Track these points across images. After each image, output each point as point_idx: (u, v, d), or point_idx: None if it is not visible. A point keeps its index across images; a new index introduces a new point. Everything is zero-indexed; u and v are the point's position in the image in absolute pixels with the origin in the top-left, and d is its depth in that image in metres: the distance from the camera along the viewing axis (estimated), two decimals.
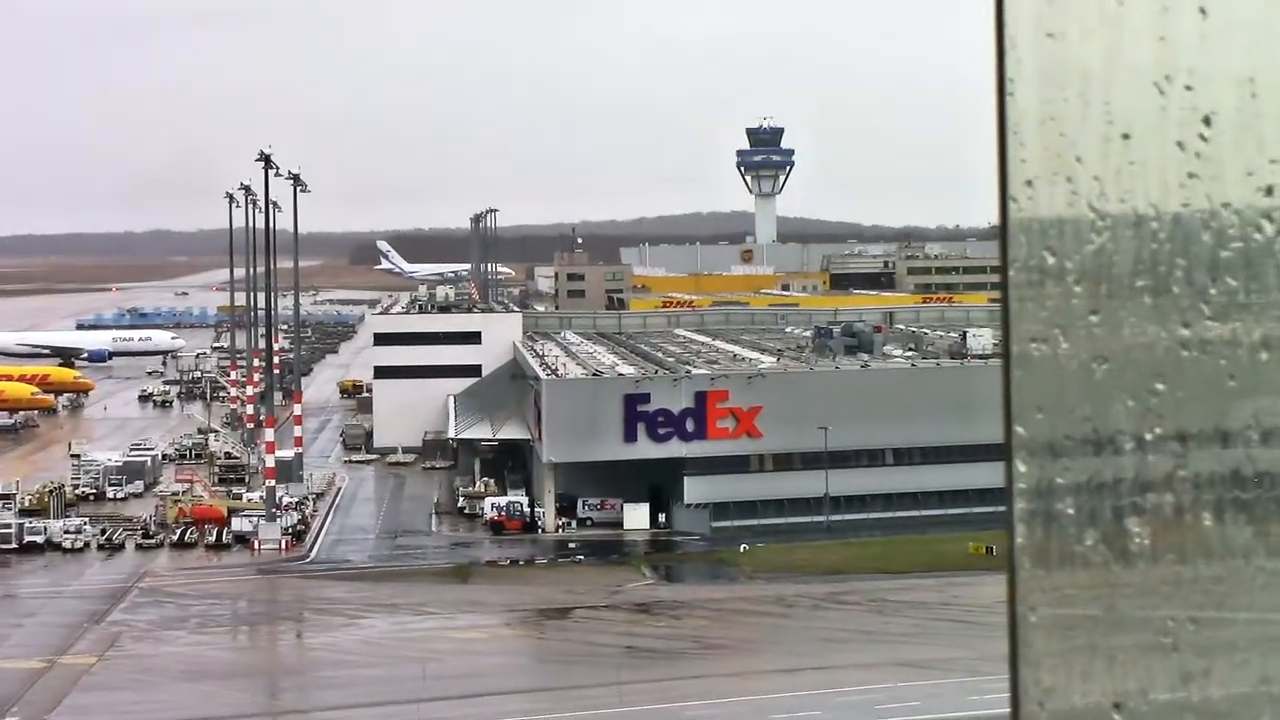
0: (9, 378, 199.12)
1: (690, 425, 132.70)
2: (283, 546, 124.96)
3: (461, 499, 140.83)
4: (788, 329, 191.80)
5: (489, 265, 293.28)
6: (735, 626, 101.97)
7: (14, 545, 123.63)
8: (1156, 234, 4.24)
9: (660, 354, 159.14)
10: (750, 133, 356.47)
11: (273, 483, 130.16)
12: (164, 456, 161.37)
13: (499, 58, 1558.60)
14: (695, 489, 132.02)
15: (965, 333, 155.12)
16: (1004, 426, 4.36)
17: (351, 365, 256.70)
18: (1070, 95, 4.23)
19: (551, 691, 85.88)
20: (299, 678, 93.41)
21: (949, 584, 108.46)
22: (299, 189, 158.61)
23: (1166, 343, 4.24)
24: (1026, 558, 4.38)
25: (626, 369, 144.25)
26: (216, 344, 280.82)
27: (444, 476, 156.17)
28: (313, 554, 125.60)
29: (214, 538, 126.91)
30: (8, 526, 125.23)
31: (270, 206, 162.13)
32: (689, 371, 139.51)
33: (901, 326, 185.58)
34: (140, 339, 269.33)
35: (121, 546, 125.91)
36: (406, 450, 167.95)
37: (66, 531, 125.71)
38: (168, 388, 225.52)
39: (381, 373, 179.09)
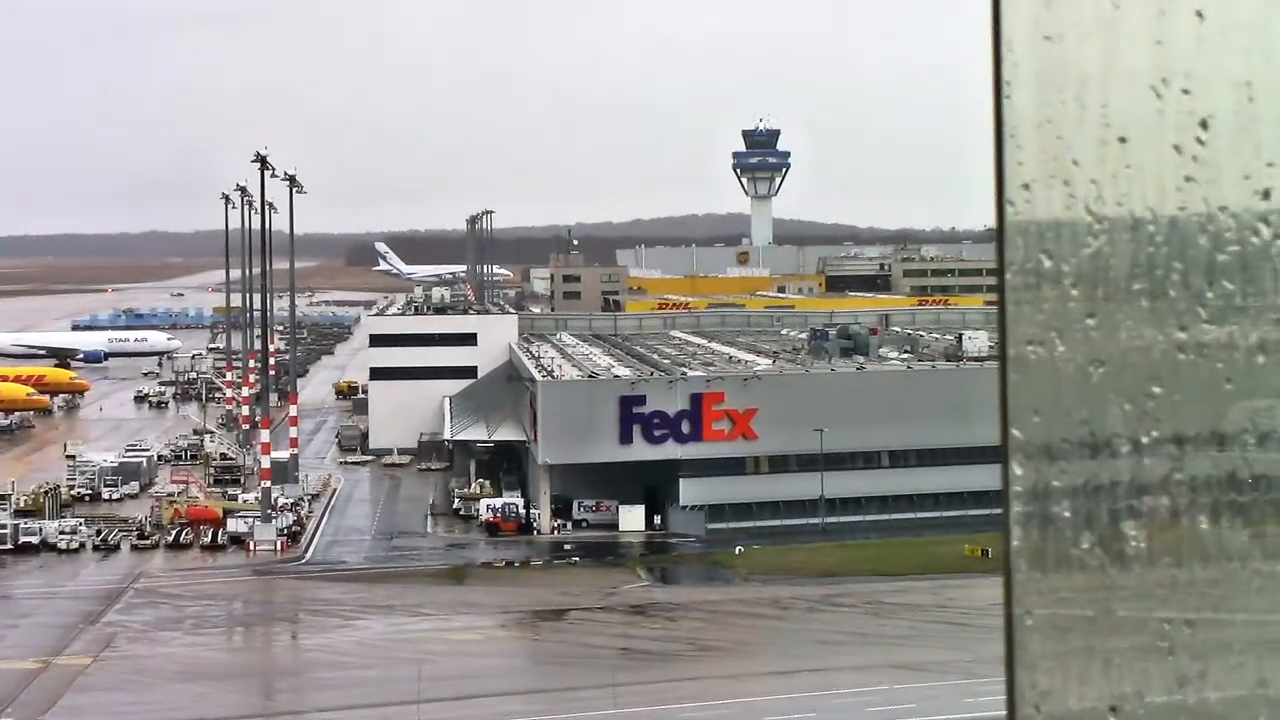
0: (4, 378, 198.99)
1: (686, 427, 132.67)
2: (278, 548, 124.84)
3: (457, 500, 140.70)
4: (783, 331, 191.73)
5: (484, 267, 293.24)
6: (730, 628, 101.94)
7: (9, 546, 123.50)
8: (1153, 237, 4.24)
9: (656, 356, 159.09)
10: (746, 134, 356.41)
11: (268, 484, 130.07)
12: (159, 457, 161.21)
13: (496, 59, 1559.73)
14: (691, 491, 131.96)
15: (961, 335, 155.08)
16: (1000, 429, 4.36)
17: (347, 366, 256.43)
18: (1067, 98, 4.23)
19: (546, 693, 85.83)
20: (294, 679, 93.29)
21: (944, 586, 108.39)
22: (295, 190, 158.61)
23: (1163, 346, 4.24)
24: (1023, 560, 4.38)
25: (622, 371, 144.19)
26: (212, 345, 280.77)
27: (439, 478, 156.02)
28: (308, 555, 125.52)
29: (209, 539, 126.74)
30: (3, 527, 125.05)
31: (266, 207, 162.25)
32: (684, 373, 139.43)
33: (897, 329, 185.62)
34: (136, 340, 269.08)
35: (117, 547, 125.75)
36: (402, 452, 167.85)
37: (62, 532, 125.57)
38: (163, 389, 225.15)
39: (377, 374, 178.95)
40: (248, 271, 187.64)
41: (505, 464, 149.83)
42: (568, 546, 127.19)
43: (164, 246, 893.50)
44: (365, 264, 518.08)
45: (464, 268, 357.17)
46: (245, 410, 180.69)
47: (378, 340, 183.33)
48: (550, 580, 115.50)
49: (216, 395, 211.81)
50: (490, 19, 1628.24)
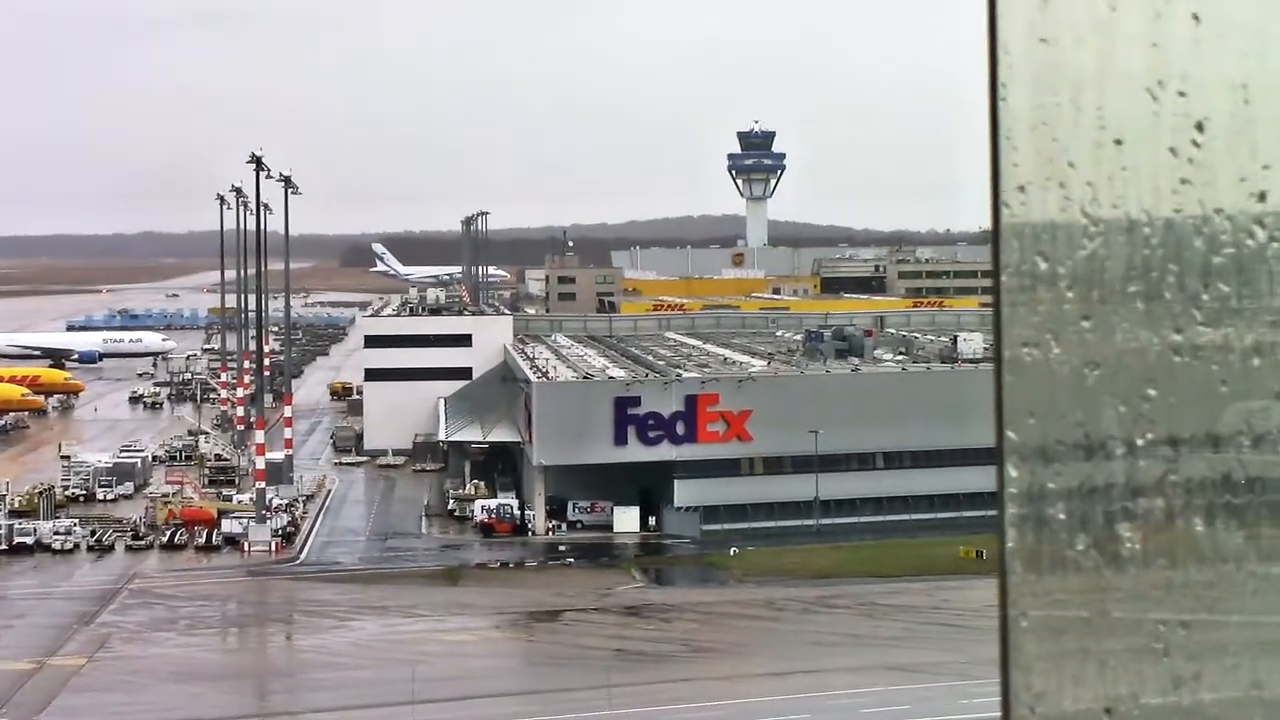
0: None
1: (681, 428, 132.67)
2: (273, 548, 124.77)
3: (452, 501, 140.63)
4: (778, 332, 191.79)
5: (479, 268, 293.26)
6: (725, 630, 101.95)
7: (4, 546, 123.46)
8: (1149, 239, 4.24)
9: (651, 357, 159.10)
10: (741, 136, 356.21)
11: (263, 484, 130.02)
12: (154, 458, 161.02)
13: (492, 61, 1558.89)
14: (685, 492, 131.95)
15: (956, 337, 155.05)
16: (995, 431, 4.36)
17: (342, 367, 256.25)
18: (1063, 100, 4.23)
19: (541, 694, 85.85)
20: (288, 679, 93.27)
21: (939, 588, 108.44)
22: (290, 191, 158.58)
23: (1158, 348, 4.24)
24: (1018, 562, 4.38)
25: (617, 372, 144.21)
26: (207, 346, 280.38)
27: (434, 479, 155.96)
28: (302, 556, 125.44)
29: (204, 539, 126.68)
30: None
31: (261, 208, 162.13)
32: (679, 375, 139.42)
33: (892, 330, 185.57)
34: (130, 340, 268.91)
35: (111, 548, 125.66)
36: (397, 452, 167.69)
37: (56, 533, 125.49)
38: (158, 389, 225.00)
39: (372, 375, 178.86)
40: (243, 272, 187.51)
41: (500, 465, 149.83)
42: (562, 548, 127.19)
43: (159, 247, 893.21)
44: (360, 265, 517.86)
45: (460, 269, 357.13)
46: (240, 411, 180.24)
47: (373, 341, 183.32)
48: (545, 581, 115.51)
49: (211, 396, 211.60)
50: (486, 21, 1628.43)
